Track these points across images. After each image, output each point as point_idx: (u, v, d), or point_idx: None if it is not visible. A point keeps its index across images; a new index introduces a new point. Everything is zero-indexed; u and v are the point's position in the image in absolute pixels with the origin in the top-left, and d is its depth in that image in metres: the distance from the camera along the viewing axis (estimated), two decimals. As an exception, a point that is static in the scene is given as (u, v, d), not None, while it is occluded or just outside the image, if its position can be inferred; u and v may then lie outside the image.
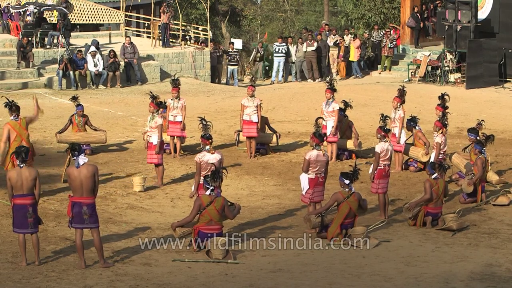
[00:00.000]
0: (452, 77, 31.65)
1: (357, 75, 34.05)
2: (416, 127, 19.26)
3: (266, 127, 21.14)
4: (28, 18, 31.94)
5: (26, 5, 32.49)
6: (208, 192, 13.29)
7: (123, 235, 14.23)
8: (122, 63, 31.02)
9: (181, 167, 19.39)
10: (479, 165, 16.68)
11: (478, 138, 17.45)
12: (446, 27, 31.57)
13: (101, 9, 36.66)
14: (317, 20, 55.61)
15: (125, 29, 36.33)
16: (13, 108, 15.99)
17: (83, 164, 12.37)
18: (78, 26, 36.36)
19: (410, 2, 35.10)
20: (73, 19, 34.87)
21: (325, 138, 15.22)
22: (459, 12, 30.96)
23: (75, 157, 12.43)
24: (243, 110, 20.29)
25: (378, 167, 15.55)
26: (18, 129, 15.99)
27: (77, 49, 31.00)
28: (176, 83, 20.40)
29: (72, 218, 12.41)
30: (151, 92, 18.73)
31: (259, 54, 35.39)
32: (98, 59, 30.32)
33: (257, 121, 20.24)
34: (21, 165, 12.38)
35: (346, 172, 14.25)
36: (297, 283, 11.99)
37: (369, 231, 13.97)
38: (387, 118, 16.54)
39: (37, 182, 12.43)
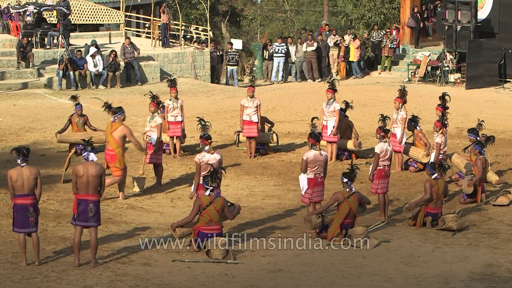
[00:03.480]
0: (452, 77, 31.65)
1: (357, 75, 34.06)
2: (417, 127, 19.24)
3: (266, 125, 21.15)
4: (28, 18, 31.94)
5: (26, 5, 32.48)
6: (207, 193, 13.30)
7: (123, 235, 14.22)
8: (122, 63, 31.02)
9: (181, 167, 19.39)
10: (479, 165, 16.66)
11: (478, 138, 17.44)
12: (446, 27, 31.57)
13: (101, 9, 36.66)
14: (317, 20, 55.63)
15: (125, 29, 36.33)
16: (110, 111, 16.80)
17: (91, 161, 12.45)
18: (77, 27, 36.35)
19: (410, 2, 35.11)
20: (73, 19, 34.87)
21: (320, 138, 15.17)
22: (459, 12, 30.97)
23: (86, 152, 12.51)
24: (243, 110, 20.31)
25: (378, 168, 15.55)
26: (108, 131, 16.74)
27: (77, 49, 31.01)
28: (174, 83, 20.44)
29: (77, 216, 12.45)
30: (151, 92, 18.75)
31: (268, 52, 34.99)
32: (98, 59, 30.32)
33: (257, 121, 20.25)
34: (22, 164, 12.38)
35: (346, 171, 14.26)
36: (297, 283, 11.99)
37: (369, 231, 13.97)
38: (387, 118, 16.54)
39: (39, 181, 12.44)
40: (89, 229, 12.56)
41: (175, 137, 20.29)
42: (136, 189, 17.24)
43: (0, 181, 17.02)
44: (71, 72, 29.59)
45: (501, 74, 31.16)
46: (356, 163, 14.75)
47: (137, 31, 38.42)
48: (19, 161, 12.39)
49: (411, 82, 31.79)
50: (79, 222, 12.50)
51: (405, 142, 19.26)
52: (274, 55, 34.31)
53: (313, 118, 16.07)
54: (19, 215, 12.40)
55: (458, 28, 31.07)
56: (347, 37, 34.57)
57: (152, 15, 35.76)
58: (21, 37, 30.75)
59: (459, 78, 31.43)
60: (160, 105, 19.66)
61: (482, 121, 18.58)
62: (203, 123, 15.13)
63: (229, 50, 34.96)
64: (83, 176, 12.41)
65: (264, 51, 35.01)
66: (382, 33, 34.89)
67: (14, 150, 12.48)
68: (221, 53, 34.78)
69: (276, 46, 34.42)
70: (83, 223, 12.50)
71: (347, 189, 14.03)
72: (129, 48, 31.23)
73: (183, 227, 13.52)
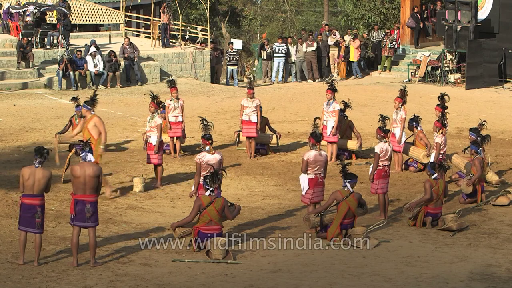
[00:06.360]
0: (452, 77, 31.65)
1: (357, 76, 34.07)
2: (418, 127, 19.24)
3: (267, 127, 21.16)
4: (28, 19, 31.95)
5: (26, 5, 32.49)
6: (208, 193, 13.30)
7: (123, 235, 14.23)
8: (122, 63, 31.03)
9: (181, 167, 19.39)
10: (477, 165, 16.65)
11: (474, 137, 17.39)
12: (446, 27, 31.58)
13: (101, 9, 36.66)
14: (317, 20, 55.66)
15: (125, 29, 36.33)
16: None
17: (88, 162, 12.48)
18: (77, 27, 36.34)
19: (410, 2, 35.11)
20: (73, 19, 34.86)
21: (322, 138, 15.18)
22: (459, 12, 30.99)
23: (84, 152, 12.55)
24: (243, 110, 20.33)
25: (378, 168, 15.55)
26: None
27: (77, 49, 31.01)
28: (174, 83, 20.46)
29: (74, 216, 12.48)
30: (152, 92, 18.75)
31: (265, 52, 34.87)
32: (98, 59, 30.32)
33: (256, 121, 20.26)
34: (37, 165, 12.40)
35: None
36: (297, 283, 11.99)
37: (369, 231, 13.98)
38: (387, 118, 16.53)
39: (49, 183, 12.48)
40: (87, 229, 12.58)
41: (175, 137, 20.30)
42: (137, 189, 17.24)
43: (0, 181, 17.02)
44: (71, 72, 29.58)
45: (501, 74, 31.15)
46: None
47: (137, 31, 38.42)
48: (35, 162, 12.40)
49: (411, 82, 31.78)
50: (76, 222, 12.54)
51: (405, 142, 19.25)
52: (274, 55, 34.28)
53: (315, 118, 16.08)
54: (24, 214, 12.41)
55: (458, 28, 31.08)
56: (347, 37, 34.57)
57: (152, 15, 35.76)
58: (21, 37, 30.76)
59: (459, 78, 31.43)
60: (161, 105, 19.67)
61: (485, 121, 18.55)
62: (205, 123, 15.13)
63: (229, 50, 34.94)
64: (80, 177, 12.44)
65: (262, 51, 34.96)
66: (383, 34, 34.86)
67: (35, 151, 12.50)
68: (218, 55, 34.61)
69: (276, 46, 34.39)
70: (80, 223, 12.53)
71: (346, 188, 14.04)
72: (128, 49, 31.20)
73: (183, 227, 13.53)
